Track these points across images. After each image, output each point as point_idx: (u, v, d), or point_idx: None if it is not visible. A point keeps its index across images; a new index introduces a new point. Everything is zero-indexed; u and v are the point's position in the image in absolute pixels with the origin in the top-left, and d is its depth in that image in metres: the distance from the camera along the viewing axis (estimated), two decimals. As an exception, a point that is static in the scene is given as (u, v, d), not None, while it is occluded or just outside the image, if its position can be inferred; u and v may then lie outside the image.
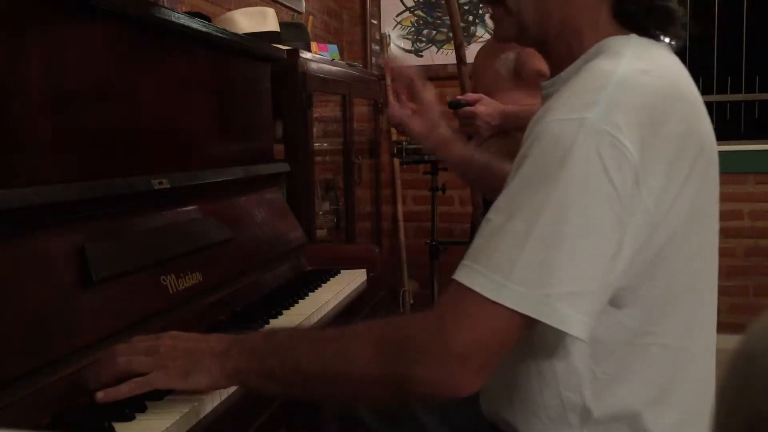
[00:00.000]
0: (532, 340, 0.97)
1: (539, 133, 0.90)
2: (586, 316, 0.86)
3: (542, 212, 0.85)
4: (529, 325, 0.87)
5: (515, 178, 0.90)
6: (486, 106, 2.12)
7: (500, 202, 0.91)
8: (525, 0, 1.02)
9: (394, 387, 0.91)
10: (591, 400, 0.97)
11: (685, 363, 1.00)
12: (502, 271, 0.85)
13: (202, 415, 1.03)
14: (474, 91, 2.32)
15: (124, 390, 0.98)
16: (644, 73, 0.94)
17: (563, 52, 1.03)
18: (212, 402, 1.06)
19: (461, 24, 3.93)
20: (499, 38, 1.11)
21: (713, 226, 1.02)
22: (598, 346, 0.95)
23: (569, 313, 0.85)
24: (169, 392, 1.05)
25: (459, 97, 2.16)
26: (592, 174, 0.86)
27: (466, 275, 0.88)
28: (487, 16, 3.90)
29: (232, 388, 1.12)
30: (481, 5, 3.94)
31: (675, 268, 0.95)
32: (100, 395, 0.98)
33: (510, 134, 2.22)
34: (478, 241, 0.90)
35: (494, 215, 0.90)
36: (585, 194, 0.85)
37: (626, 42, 0.98)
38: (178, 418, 0.98)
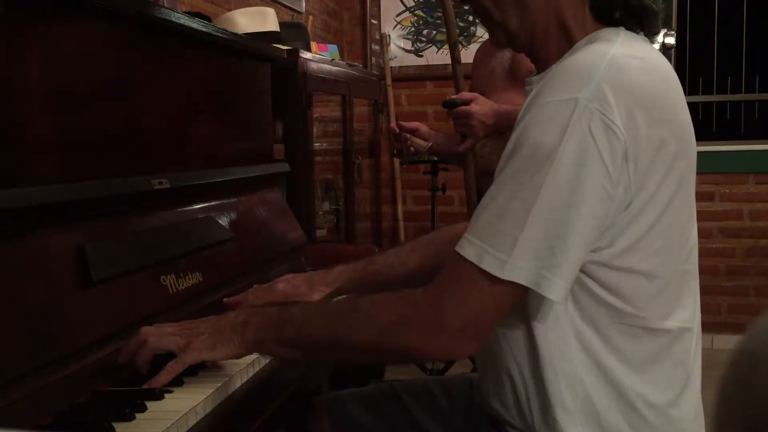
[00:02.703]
0: (526, 311, 1.01)
1: (535, 115, 0.94)
2: (567, 283, 0.94)
3: (540, 192, 0.91)
4: (522, 294, 0.95)
5: (515, 158, 0.95)
6: (481, 106, 2.12)
7: (502, 181, 0.96)
8: (508, 10, 1.06)
9: (396, 355, 1.07)
10: (582, 369, 1.00)
11: (667, 346, 1.03)
12: (506, 249, 0.92)
13: (201, 415, 1.03)
14: (471, 90, 2.32)
15: (164, 378, 1.05)
16: (636, 59, 0.98)
17: (553, 51, 1.06)
18: (212, 402, 1.06)
19: (461, 24, 3.95)
20: (494, 45, 1.15)
21: (693, 219, 1.07)
22: (586, 316, 1.00)
23: (556, 282, 0.92)
24: (169, 392, 1.05)
25: (453, 96, 2.16)
26: (585, 153, 0.91)
27: (474, 252, 0.94)
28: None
29: (231, 389, 1.12)
30: (466, 7, 3.93)
31: (660, 252, 0.99)
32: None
33: (504, 134, 2.22)
34: (483, 218, 0.96)
35: (497, 193, 0.96)
36: (579, 173, 0.91)
37: (616, 33, 1.03)
38: (178, 417, 0.98)
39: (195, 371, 1.11)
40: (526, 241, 0.91)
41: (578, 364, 1.00)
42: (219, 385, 1.09)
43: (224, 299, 1.41)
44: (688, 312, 1.06)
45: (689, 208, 1.05)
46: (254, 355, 1.20)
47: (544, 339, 1.01)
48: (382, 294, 1.06)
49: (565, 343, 1.00)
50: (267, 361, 1.22)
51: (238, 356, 1.10)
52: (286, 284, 1.41)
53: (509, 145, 0.97)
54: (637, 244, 0.97)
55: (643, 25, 1.05)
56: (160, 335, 1.09)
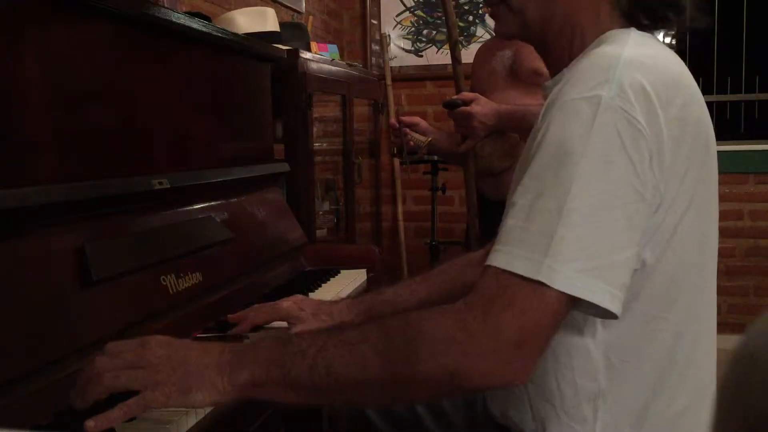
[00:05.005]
0: None
1: (557, 113, 0.91)
2: (618, 290, 0.87)
3: (570, 189, 0.86)
4: (573, 301, 0.86)
5: (537, 159, 0.91)
6: (482, 106, 2.11)
7: (525, 185, 0.91)
8: None
9: (450, 382, 0.86)
10: (604, 385, 0.98)
11: (692, 348, 1.01)
12: (539, 249, 0.85)
13: (201, 416, 1.03)
14: (472, 89, 2.32)
15: (117, 415, 0.88)
16: (650, 57, 0.96)
17: (565, 49, 1.05)
18: (212, 402, 1.06)
19: (461, 24, 3.94)
20: (500, 34, 1.12)
21: (715, 215, 1.04)
22: (613, 331, 0.97)
23: (603, 287, 0.85)
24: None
25: (454, 97, 2.15)
26: (612, 150, 0.87)
27: (503, 259, 0.87)
28: (487, 15, 3.91)
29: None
30: (481, 4, 3.94)
31: (684, 251, 0.97)
32: (90, 424, 0.87)
33: (505, 134, 2.22)
34: (509, 224, 0.90)
35: (520, 198, 0.90)
36: (607, 170, 0.87)
37: (627, 33, 1.01)
38: (178, 417, 0.98)
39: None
40: (559, 241, 0.84)
41: (601, 380, 0.97)
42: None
43: (228, 316, 1.36)
44: (708, 314, 1.04)
45: (710, 209, 1.02)
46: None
47: (566, 357, 0.98)
48: (414, 312, 0.92)
49: (589, 360, 0.97)
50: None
51: (220, 403, 0.92)
52: (291, 304, 1.33)
53: (532, 150, 0.93)
54: (665, 244, 0.94)
55: (670, 21, 1.03)
56: (118, 369, 0.90)
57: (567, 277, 0.84)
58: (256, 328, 1.35)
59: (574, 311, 0.89)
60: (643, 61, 0.94)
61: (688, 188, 0.95)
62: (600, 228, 0.86)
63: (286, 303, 1.34)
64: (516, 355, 0.84)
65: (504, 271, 0.86)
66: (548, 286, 0.84)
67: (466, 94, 2.14)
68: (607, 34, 1.02)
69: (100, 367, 0.91)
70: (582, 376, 0.98)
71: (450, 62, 2.25)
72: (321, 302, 1.37)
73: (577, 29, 1.03)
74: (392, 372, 0.87)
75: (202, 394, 0.90)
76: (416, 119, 2.26)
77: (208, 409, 1.04)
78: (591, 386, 0.98)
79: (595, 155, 0.87)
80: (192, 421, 1.00)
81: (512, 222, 0.89)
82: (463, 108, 2.10)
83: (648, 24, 1.03)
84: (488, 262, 0.89)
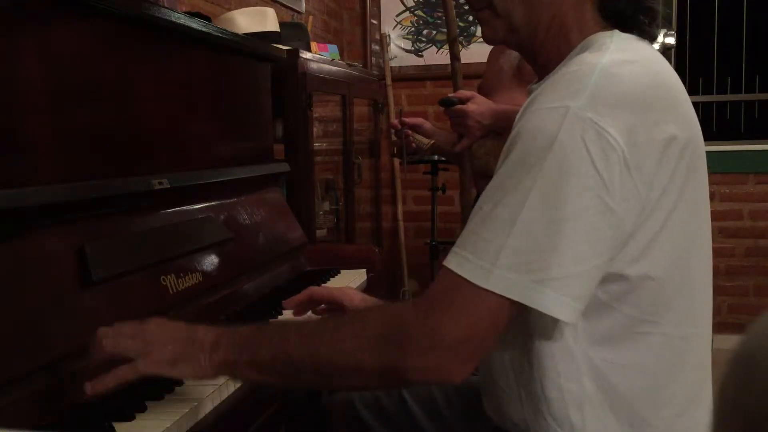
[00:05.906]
0: (530, 331, 0.97)
1: (525, 123, 0.91)
2: (573, 300, 0.88)
3: (528, 199, 0.87)
4: (518, 310, 0.89)
5: (502, 167, 0.92)
6: (478, 105, 2.08)
7: (489, 191, 0.92)
8: (513, 2, 1.02)
9: (386, 376, 0.92)
10: (591, 389, 0.97)
11: (683, 352, 1.00)
12: (489, 257, 0.87)
13: (201, 416, 1.03)
14: (480, 88, 2.29)
15: (111, 380, 0.96)
16: (629, 63, 0.95)
17: (552, 53, 1.03)
18: (212, 401, 1.06)
19: (461, 24, 3.94)
20: (487, 40, 1.11)
21: (705, 216, 1.04)
22: (596, 333, 0.96)
23: (555, 297, 0.86)
24: (169, 392, 1.05)
25: (450, 95, 2.13)
26: (576, 161, 0.87)
27: (456, 262, 0.90)
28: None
29: (232, 387, 1.12)
30: (466, 7, 3.93)
31: (670, 255, 0.96)
32: (87, 388, 0.95)
33: (502, 134, 2.19)
34: (467, 229, 0.92)
35: (483, 203, 0.92)
36: (570, 181, 0.86)
37: (610, 37, 0.99)
38: (178, 417, 0.98)
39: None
40: (510, 250, 0.86)
41: (587, 384, 0.96)
42: (221, 383, 1.09)
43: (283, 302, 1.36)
44: (701, 317, 1.03)
45: (699, 209, 1.01)
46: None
47: (549, 360, 0.97)
48: (367, 308, 1.01)
49: (573, 362, 0.96)
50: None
51: (201, 378, 1.00)
52: (347, 289, 1.35)
53: (501, 157, 0.94)
54: (646, 249, 0.93)
55: (648, 30, 1.02)
56: (116, 337, 0.99)
57: (513, 284, 0.86)
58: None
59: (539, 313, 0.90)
60: (623, 67, 0.93)
61: (673, 191, 0.94)
62: (555, 239, 0.86)
63: (340, 289, 1.36)
64: (451, 355, 0.88)
65: (454, 273, 0.89)
66: (492, 292, 0.87)
67: (463, 92, 2.11)
68: (591, 38, 1.00)
69: (101, 335, 0.99)
70: (567, 380, 0.97)
71: (450, 62, 2.23)
72: (368, 297, 1.37)
73: (562, 32, 1.02)
74: (338, 361, 0.93)
75: (187, 367, 0.98)
76: (420, 120, 2.23)
77: (209, 409, 1.05)
78: (577, 390, 0.97)
79: (555, 167, 0.86)
80: (192, 421, 1.01)
81: (471, 227, 0.91)
82: (459, 106, 2.08)
83: (633, 27, 1.01)
84: (444, 263, 0.92)
